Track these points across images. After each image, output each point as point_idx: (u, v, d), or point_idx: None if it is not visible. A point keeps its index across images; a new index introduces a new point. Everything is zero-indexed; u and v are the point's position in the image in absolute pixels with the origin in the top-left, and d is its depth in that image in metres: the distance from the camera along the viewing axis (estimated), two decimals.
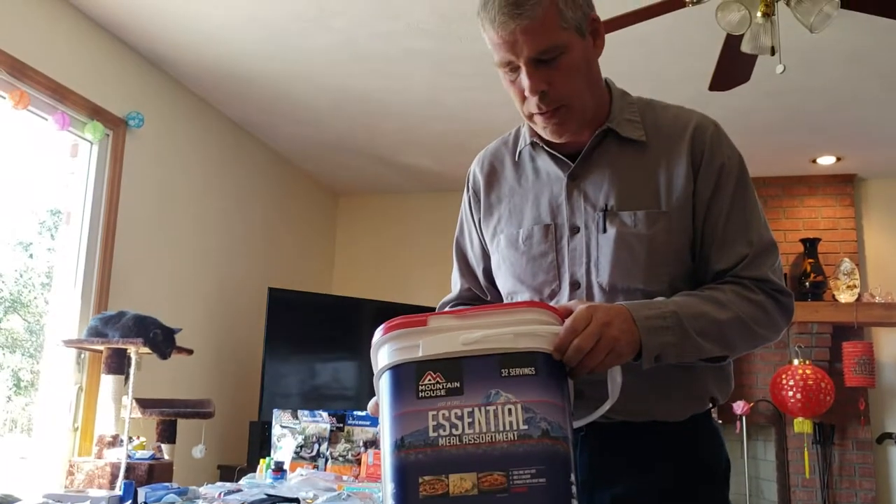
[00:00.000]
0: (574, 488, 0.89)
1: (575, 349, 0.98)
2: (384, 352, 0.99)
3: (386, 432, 0.93)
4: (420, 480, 0.88)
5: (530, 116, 1.23)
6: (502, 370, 0.94)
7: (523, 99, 1.20)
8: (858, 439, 4.87)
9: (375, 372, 1.01)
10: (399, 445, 0.91)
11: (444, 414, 0.92)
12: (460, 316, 0.99)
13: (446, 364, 0.95)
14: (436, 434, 0.91)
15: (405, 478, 0.89)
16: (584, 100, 1.21)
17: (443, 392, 0.93)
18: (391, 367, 0.97)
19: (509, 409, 0.92)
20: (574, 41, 1.17)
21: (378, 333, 1.01)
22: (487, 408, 0.92)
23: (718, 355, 1.15)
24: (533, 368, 0.95)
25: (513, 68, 1.18)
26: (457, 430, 0.91)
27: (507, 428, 0.90)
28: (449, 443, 0.90)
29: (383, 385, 0.97)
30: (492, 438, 0.90)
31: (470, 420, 0.91)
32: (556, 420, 0.91)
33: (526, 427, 0.90)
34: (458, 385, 0.94)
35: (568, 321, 1.00)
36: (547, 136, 1.25)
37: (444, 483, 0.88)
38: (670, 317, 1.09)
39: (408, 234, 5.72)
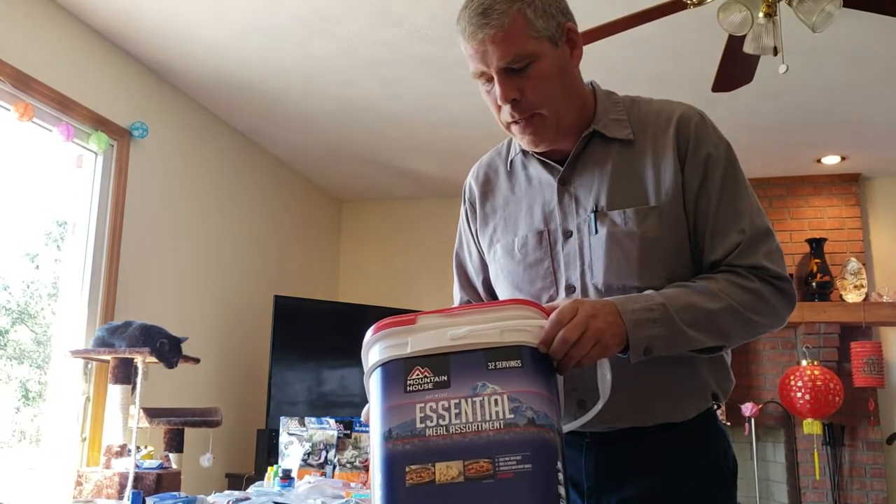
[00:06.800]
0: (561, 475, 0.89)
1: (560, 340, 0.99)
2: (374, 351, 1.01)
3: (375, 425, 0.95)
4: (407, 470, 0.89)
5: (507, 126, 1.24)
6: (488, 363, 0.96)
7: (499, 108, 1.22)
8: (868, 440, 4.84)
9: (365, 371, 1.02)
10: (387, 437, 0.92)
11: (431, 406, 0.93)
12: (448, 314, 1.01)
13: (434, 359, 0.97)
14: (423, 425, 0.92)
15: (392, 468, 0.90)
16: (559, 108, 1.21)
17: (430, 385, 0.95)
18: (380, 364, 0.99)
19: (496, 400, 0.93)
20: (546, 50, 1.18)
21: (368, 334, 1.03)
22: (474, 399, 0.93)
23: (713, 345, 1.14)
24: (519, 361, 0.96)
25: (487, 78, 1.20)
26: (444, 420, 0.92)
27: (494, 417, 0.91)
28: (436, 433, 0.91)
29: (373, 382, 0.99)
30: (478, 427, 0.91)
31: (457, 411, 0.92)
32: (543, 409, 0.92)
33: (512, 416, 0.91)
34: (446, 378, 0.95)
35: (553, 314, 1.01)
36: (524, 145, 1.26)
37: (431, 471, 0.89)
38: (657, 309, 1.09)
39: (412, 240, 5.73)
